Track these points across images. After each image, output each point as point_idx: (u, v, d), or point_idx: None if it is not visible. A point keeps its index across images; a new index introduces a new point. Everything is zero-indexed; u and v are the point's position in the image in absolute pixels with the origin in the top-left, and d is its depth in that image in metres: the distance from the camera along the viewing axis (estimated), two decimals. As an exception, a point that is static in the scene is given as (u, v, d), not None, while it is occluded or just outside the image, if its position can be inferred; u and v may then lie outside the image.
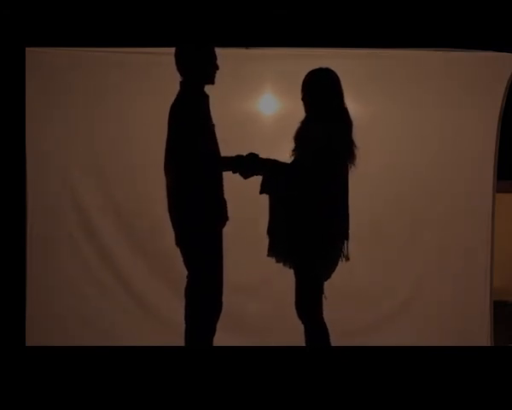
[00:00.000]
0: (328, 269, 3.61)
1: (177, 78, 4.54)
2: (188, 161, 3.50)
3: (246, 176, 3.67)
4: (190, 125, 3.51)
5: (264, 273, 4.30)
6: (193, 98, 3.59)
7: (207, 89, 3.67)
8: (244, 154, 3.63)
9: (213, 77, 3.68)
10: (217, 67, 3.68)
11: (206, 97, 3.63)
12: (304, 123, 3.64)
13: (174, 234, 3.62)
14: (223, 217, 3.68)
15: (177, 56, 3.66)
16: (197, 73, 3.62)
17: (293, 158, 3.61)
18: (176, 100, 3.63)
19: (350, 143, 3.55)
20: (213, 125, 3.63)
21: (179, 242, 3.62)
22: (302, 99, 3.65)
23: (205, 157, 3.53)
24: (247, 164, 3.62)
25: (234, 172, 3.64)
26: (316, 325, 3.56)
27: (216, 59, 3.67)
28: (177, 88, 4.45)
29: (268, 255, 3.64)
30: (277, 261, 3.61)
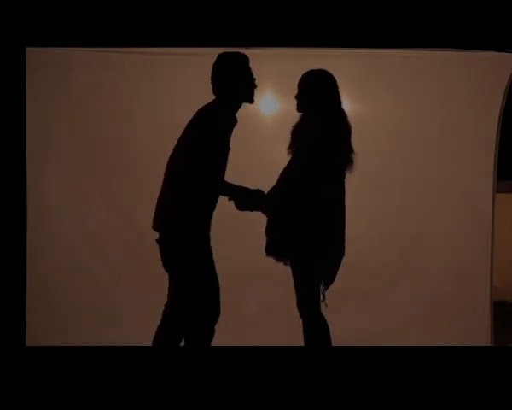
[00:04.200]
0: (328, 270, 3.60)
1: (178, 78, 4.57)
2: (191, 176, 3.47)
3: (242, 208, 3.63)
4: (212, 145, 3.46)
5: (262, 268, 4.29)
6: (226, 119, 3.53)
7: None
8: (246, 182, 3.60)
9: (253, 95, 3.64)
10: (255, 86, 3.64)
11: (235, 122, 3.56)
12: (299, 122, 3.65)
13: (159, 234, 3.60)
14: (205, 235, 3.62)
15: (216, 75, 3.61)
16: (237, 92, 3.58)
17: (290, 156, 3.62)
18: (208, 113, 3.55)
19: (348, 150, 3.55)
20: (229, 149, 3.57)
21: (165, 250, 3.58)
22: (296, 97, 3.66)
23: (209, 179, 3.49)
24: (251, 199, 3.59)
25: (230, 200, 3.59)
26: (315, 321, 3.56)
27: (254, 77, 3.64)
28: (178, 88, 4.47)
29: (267, 255, 3.64)
30: (277, 261, 3.62)
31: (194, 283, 3.52)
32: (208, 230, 3.60)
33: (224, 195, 3.59)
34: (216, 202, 3.60)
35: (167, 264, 3.58)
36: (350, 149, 3.57)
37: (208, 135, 3.46)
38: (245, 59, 3.63)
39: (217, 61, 3.64)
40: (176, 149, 3.61)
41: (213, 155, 3.48)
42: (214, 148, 3.47)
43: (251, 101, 3.65)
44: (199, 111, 3.59)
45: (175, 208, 3.52)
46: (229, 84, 3.59)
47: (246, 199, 3.60)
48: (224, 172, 3.58)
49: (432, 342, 4.37)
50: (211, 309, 3.56)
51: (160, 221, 3.58)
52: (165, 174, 3.61)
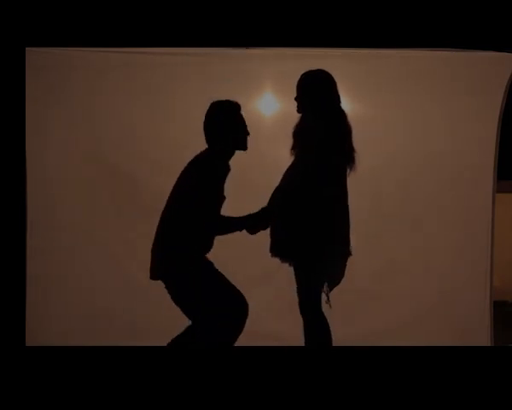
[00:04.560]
0: (331, 271, 3.60)
1: (178, 78, 4.57)
2: (188, 223, 3.49)
3: (254, 232, 3.63)
4: (207, 193, 3.48)
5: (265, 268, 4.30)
6: (219, 168, 3.54)
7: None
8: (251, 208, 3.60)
9: (246, 142, 3.64)
10: (248, 133, 3.64)
11: (229, 170, 3.58)
12: (300, 123, 3.65)
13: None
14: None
15: (208, 126, 3.61)
16: (230, 141, 3.58)
17: (292, 157, 3.62)
18: (202, 162, 3.56)
19: (350, 149, 3.56)
20: (224, 198, 3.57)
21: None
22: (295, 99, 3.66)
23: (206, 225, 3.52)
24: (260, 221, 3.59)
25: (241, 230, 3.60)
26: (316, 321, 3.57)
27: (246, 125, 3.63)
28: (178, 88, 4.47)
29: (272, 256, 3.65)
30: (282, 261, 3.63)
31: (209, 308, 3.54)
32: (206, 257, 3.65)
33: (233, 231, 3.59)
34: (213, 241, 3.62)
35: (178, 302, 3.60)
36: (351, 149, 3.57)
37: (202, 183, 3.47)
38: (236, 106, 3.62)
39: (209, 110, 3.63)
40: (170, 198, 3.62)
41: (208, 202, 3.48)
42: (209, 195, 3.48)
43: (244, 148, 3.64)
44: (193, 160, 3.60)
45: (173, 257, 3.54)
46: (221, 134, 3.59)
47: (255, 224, 3.60)
48: (220, 218, 3.57)
49: (432, 342, 4.37)
50: (233, 323, 3.58)
51: (159, 270, 3.60)
52: (159, 224, 3.62)
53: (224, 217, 3.56)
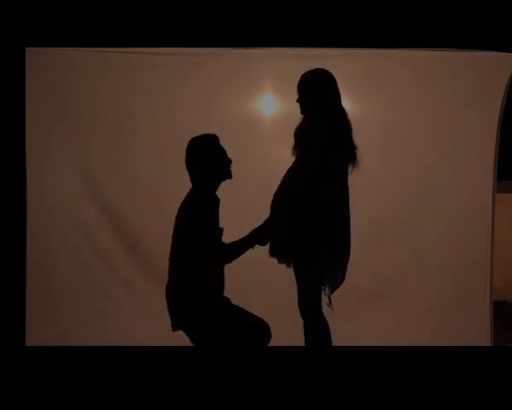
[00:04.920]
0: (332, 272, 3.59)
1: (178, 78, 4.57)
2: (191, 261, 3.49)
3: (266, 242, 3.63)
4: (200, 231, 3.46)
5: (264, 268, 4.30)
6: (208, 201, 3.53)
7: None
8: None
9: (230, 171, 3.62)
10: (230, 161, 3.61)
11: (218, 201, 3.56)
12: (302, 123, 3.65)
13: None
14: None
15: (190, 160, 3.59)
16: (212, 172, 3.56)
17: (294, 157, 3.62)
18: (190, 201, 3.56)
19: (351, 145, 3.55)
20: (221, 230, 3.56)
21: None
22: (297, 100, 3.65)
23: (208, 259, 3.51)
24: (267, 233, 3.60)
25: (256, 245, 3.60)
26: (316, 322, 3.56)
27: (226, 153, 3.61)
28: (178, 88, 4.46)
29: (270, 256, 3.65)
30: (280, 262, 3.62)
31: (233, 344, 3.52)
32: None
33: (244, 252, 3.58)
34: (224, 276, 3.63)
35: (199, 344, 3.58)
36: (352, 145, 3.55)
37: (196, 222, 3.46)
38: (214, 138, 3.60)
39: (187, 147, 3.61)
40: (173, 246, 3.61)
41: (207, 238, 3.47)
42: (205, 232, 3.47)
43: (229, 177, 3.62)
44: (182, 203, 3.58)
45: (190, 305, 3.51)
46: (202, 168, 3.57)
47: (264, 236, 3.60)
48: (225, 247, 3.56)
49: (432, 342, 4.37)
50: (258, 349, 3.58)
51: (180, 322, 3.57)
52: (170, 276, 3.62)
53: (230, 244, 3.55)
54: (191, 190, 3.60)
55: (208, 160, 3.56)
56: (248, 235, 3.57)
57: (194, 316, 3.51)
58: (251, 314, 3.64)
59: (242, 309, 3.64)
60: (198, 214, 3.48)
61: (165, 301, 3.59)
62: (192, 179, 3.60)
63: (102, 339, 4.43)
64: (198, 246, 3.46)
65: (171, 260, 3.62)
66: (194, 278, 3.49)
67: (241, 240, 3.56)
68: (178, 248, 3.57)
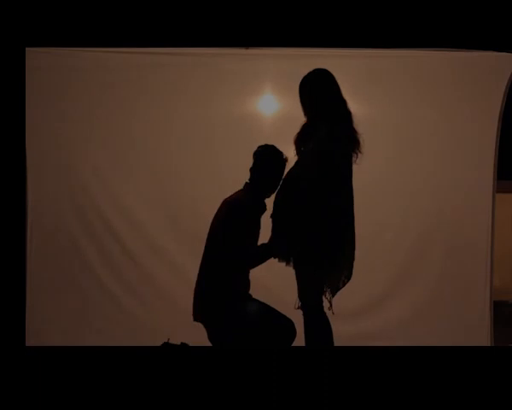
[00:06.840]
0: (333, 275, 3.58)
1: (178, 78, 4.57)
2: (228, 258, 3.57)
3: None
4: (245, 234, 3.58)
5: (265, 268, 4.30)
6: (257, 209, 3.66)
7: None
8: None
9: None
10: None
11: (265, 208, 3.67)
12: (305, 125, 3.63)
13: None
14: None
15: (258, 164, 3.68)
16: (274, 183, 3.63)
17: (295, 157, 3.62)
18: (241, 204, 3.63)
19: (352, 132, 3.52)
20: (259, 228, 3.66)
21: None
22: (301, 102, 3.64)
23: (245, 259, 3.62)
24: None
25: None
26: (317, 322, 3.56)
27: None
28: (178, 88, 4.47)
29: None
30: (280, 261, 3.62)
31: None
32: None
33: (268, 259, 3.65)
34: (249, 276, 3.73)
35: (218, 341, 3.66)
36: (354, 131, 3.52)
37: (242, 223, 3.57)
38: (282, 155, 3.68)
39: (259, 151, 3.70)
40: (208, 242, 3.66)
41: (249, 239, 3.60)
42: (249, 233, 3.61)
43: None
44: (227, 203, 3.65)
45: (216, 300, 3.60)
46: (266, 175, 3.66)
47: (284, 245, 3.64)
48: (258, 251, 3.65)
49: (432, 342, 4.37)
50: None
51: (202, 314, 3.66)
52: (201, 266, 3.67)
53: (260, 247, 3.66)
54: (241, 192, 3.67)
55: (273, 171, 3.64)
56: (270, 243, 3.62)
57: (223, 313, 3.58)
58: (278, 312, 3.70)
59: (270, 307, 3.70)
60: (243, 216, 3.58)
61: (192, 295, 3.65)
62: (250, 182, 3.67)
63: (102, 339, 4.43)
64: (239, 244, 3.55)
65: (206, 255, 3.66)
66: (226, 276, 3.58)
67: (261, 250, 3.64)
68: (217, 244, 3.62)
